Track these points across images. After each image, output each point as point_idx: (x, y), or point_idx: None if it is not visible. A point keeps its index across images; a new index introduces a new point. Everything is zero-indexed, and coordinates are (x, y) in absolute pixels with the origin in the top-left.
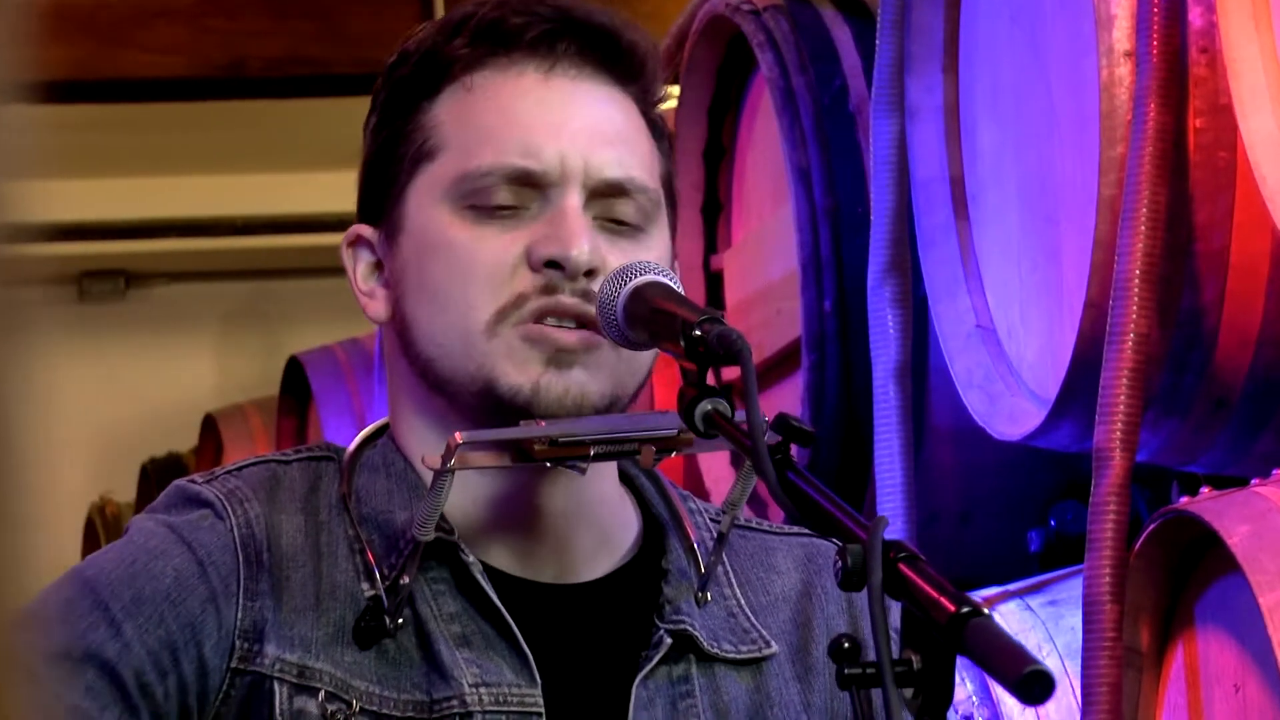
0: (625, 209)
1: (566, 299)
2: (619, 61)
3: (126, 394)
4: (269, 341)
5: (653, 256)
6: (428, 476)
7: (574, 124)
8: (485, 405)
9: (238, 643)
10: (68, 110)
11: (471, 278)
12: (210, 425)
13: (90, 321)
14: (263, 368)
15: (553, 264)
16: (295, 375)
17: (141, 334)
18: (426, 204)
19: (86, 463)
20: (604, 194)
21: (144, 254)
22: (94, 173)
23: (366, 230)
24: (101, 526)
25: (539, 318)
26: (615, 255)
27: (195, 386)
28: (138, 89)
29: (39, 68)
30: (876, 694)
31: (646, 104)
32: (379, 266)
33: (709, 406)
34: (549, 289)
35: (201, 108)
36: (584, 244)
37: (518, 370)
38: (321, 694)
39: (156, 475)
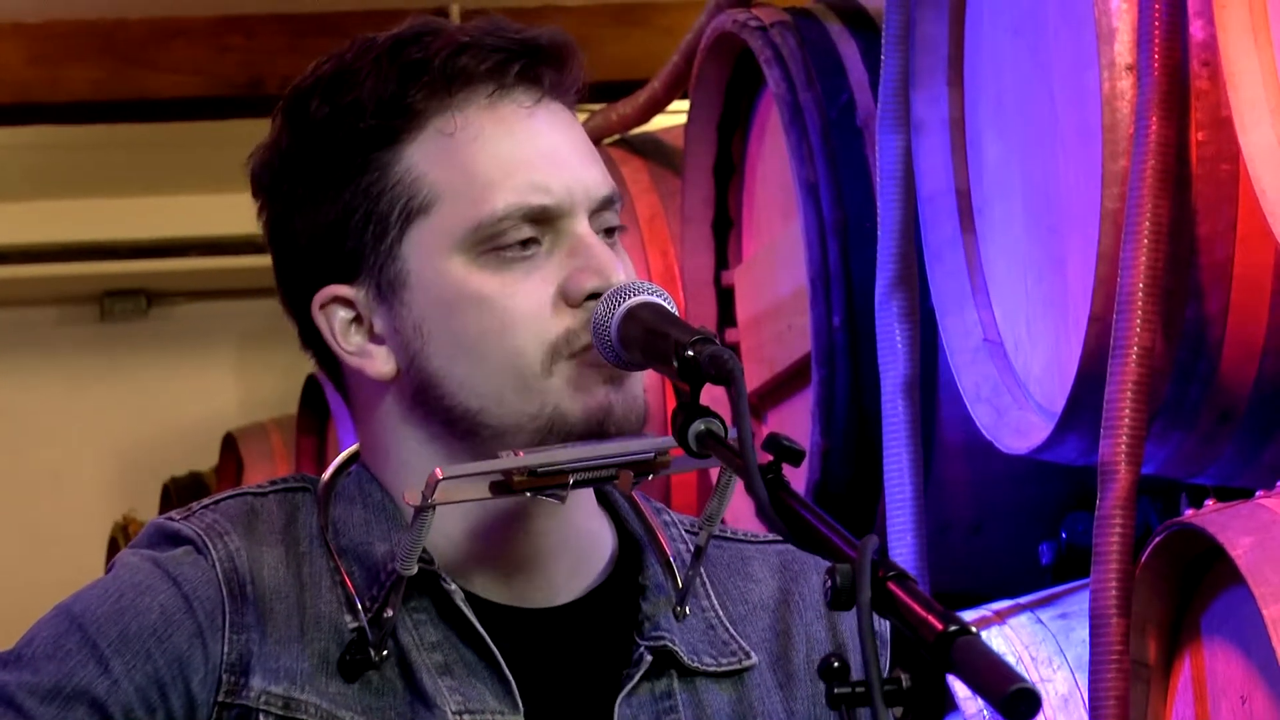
0: (611, 218)
1: None
2: (571, 80)
3: (149, 413)
4: (291, 360)
5: (626, 257)
6: (408, 508)
7: (563, 151)
8: (550, 440)
9: (224, 676)
10: (88, 130)
11: (512, 327)
12: (231, 444)
13: (112, 341)
14: (284, 386)
15: (595, 295)
16: (314, 393)
17: (163, 353)
18: (436, 257)
19: (109, 482)
20: (598, 210)
21: (165, 273)
22: (115, 192)
23: (344, 289)
24: (125, 545)
25: (591, 347)
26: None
27: (217, 405)
28: (157, 108)
29: (59, 89)
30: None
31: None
32: (359, 322)
33: (702, 427)
34: None
35: (221, 126)
36: (619, 270)
37: (587, 397)
38: None
39: (178, 495)
